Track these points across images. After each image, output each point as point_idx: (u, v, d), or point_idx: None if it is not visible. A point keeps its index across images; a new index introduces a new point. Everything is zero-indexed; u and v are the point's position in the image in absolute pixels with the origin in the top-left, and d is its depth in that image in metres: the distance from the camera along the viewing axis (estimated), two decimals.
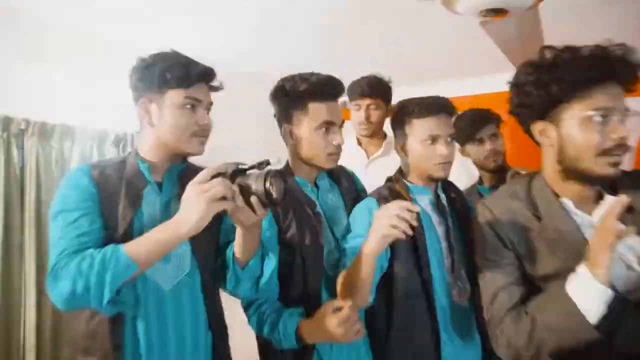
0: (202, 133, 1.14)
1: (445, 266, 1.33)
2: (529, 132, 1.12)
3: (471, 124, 1.91)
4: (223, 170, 0.96)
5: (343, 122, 1.31)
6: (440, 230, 1.35)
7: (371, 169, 2.06)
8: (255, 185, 0.95)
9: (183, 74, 1.09)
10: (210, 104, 1.17)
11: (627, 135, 1.00)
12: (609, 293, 0.93)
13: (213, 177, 0.94)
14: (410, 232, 1.03)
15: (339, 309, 1.07)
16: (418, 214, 1.06)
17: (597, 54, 0.99)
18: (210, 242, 1.19)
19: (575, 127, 1.01)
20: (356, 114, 2.06)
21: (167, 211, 1.10)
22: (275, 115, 1.36)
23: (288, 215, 1.25)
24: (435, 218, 1.36)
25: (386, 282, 1.28)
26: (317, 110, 1.26)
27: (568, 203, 1.08)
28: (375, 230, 1.06)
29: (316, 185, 1.36)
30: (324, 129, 1.26)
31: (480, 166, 1.93)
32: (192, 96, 1.11)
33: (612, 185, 1.10)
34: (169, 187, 1.15)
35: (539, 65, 1.05)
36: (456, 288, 1.33)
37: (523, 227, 1.10)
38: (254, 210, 0.97)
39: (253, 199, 0.96)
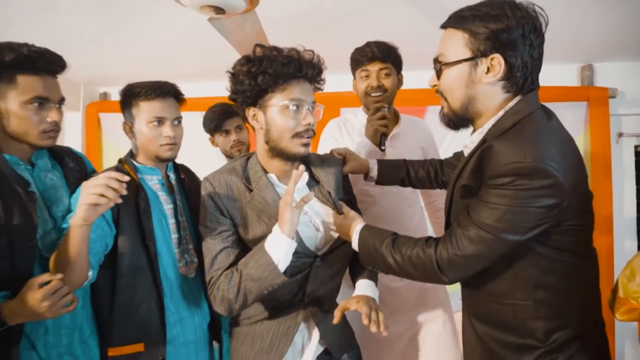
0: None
1: (173, 241, 1.43)
2: (246, 118, 1.31)
3: (218, 116, 2.08)
4: None
5: (63, 99, 1.28)
6: (167, 208, 1.44)
7: (398, 147, 1.81)
8: None
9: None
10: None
11: (313, 122, 1.26)
12: (293, 244, 1.17)
13: None
14: (119, 200, 1.08)
15: (46, 284, 1.04)
16: (134, 182, 1.12)
17: (292, 55, 1.23)
18: None
19: (277, 114, 1.23)
20: (364, 83, 1.75)
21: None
22: None
23: None
24: (162, 196, 1.44)
25: (112, 258, 1.31)
26: (29, 84, 1.20)
27: (273, 177, 1.31)
28: (82, 201, 1.08)
29: (31, 164, 1.29)
30: (36, 104, 1.21)
31: (227, 155, 2.11)
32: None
33: (305, 162, 1.37)
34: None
35: (250, 59, 1.24)
36: (183, 261, 1.44)
37: (237, 198, 1.28)
38: None
39: None
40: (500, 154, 0.95)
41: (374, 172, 1.55)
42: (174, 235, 1.44)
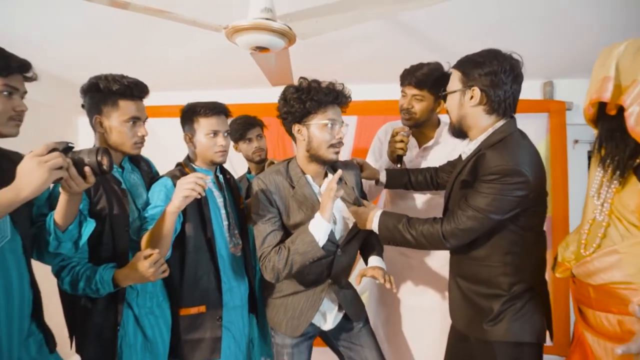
0: (18, 117, 1.31)
1: (224, 227, 1.82)
2: (290, 131, 1.71)
3: (242, 127, 2.46)
4: (57, 146, 1.21)
5: (147, 117, 1.66)
6: (219, 201, 1.83)
7: (427, 157, 2.08)
8: (88, 158, 1.24)
9: (3, 65, 1.25)
10: (25, 92, 1.34)
11: (343, 136, 1.68)
12: (330, 227, 1.60)
13: (50, 150, 1.18)
14: (203, 194, 1.47)
15: (149, 256, 1.42)
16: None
17: (331, 87, 1.64)
18: (28, 212, 1.38)
19: (317, 129, 1.64)
20: (401, 100, 2.01)
21: None
22: (84, 107, 1.61)
23: (98, 191, 1.53)
24: (215, 192, 1.83)
25: (179, 241, 1.69)
26: (127, 107, 1.58)
27: (309, 177, 1.73)
28: (178, 193, 1.46)
29: (121, 167, 1.67)
30: (131, 122, 1.59)
31: (248, 159, 2.50)
32: (11, 84, 1.27)
33: (333, 166, 1.79)
34: None
35: (299, 89, 1.64)
36: (232, 243, 1.83)
37: (283, 193, 1.69)
38: (84, 179, 1.26)
39: (87, 169, 1.25)
40: (491, 159, 1.37)
41: (383, 178, 1.96)
42: (225, 223, 1.83)
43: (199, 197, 1.47)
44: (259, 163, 2.46)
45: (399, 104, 2.03)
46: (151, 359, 1.62)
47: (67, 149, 1.25)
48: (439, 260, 2.09)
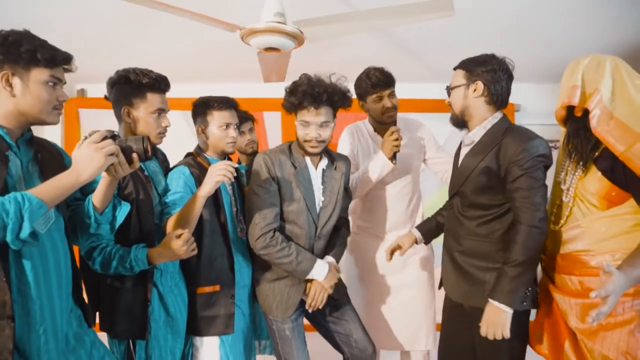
0: (60, 107, 1.38)
1: (233, 213, 1.97)
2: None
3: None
4: (107, 134, 1.32)
5: (169, 110, 1.77)
6: (229, 188, 1.97)
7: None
8: (136, 145, 1.36)
9: (51, 56, 1.31)
10: (65, 82, 1.40)
11: (318, 137, 1.86)
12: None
13: (104, 138, 1.29)
14: (232, 180, 1.63)
15: (180, 235, 1.54)
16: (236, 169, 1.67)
17: (310, 90, 1.81)
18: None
19: (299, 125, 1.89)
20: (379, 105, 2.18)
21: (27, 170, 1.33)
22: (109, 97, 1.70)
23: (126, 177, 1.63)
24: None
25: (197, 224, 1.81)
26: (154, 99, 1.69)
27: (308, 160, 1.93)
28: (211, 178, 1.60)
29: None
30: (157, 114, 1.70)
31: (241, 151, 2.64)
32: (56, 76, 1.34)
33: (329, 152, 2.01)
34: (24, 150, 1.36)
35: (294, 82, 1.85)
36: (239, 227, 1.98)
37: (285, 170, 1.88)
38: (130, 165, 1.37)
39: (134, 155, 1.36)
40: (511, 145, 1.58)
41: (420, 237, 2.12)
42: (234, 209, 1.97)
43: (229, 182, 1.62)
44: (251, 155, 2.60)
45: (375, 108, 2.19)
46: (172, 333, 1.74)
47: (113, 137, 1.36)
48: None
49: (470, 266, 1.72)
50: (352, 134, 2.38)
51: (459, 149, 1.89)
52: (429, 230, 2.11)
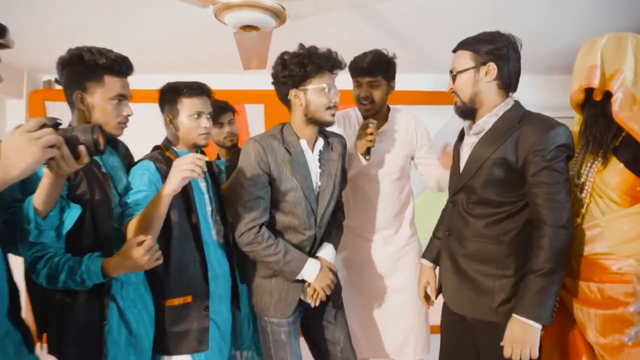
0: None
1: (207, 213, 1.74)
2: (285, 96, 1.70)
3: (215, 111, 2.34)
4: (47, 122, 1.08)
5: (131, 96, 1.54)
6: (202, 185, 1.75)
7: (381, 142, 2.07)
8: (83, 136, 1.13)
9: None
10: None
11: (338, 100, 1.71)
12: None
13: (41, 126, 1.05)
14: (202, 175, 1.40)
15: (141, 242, 1.32)
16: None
17: (329, 53, 1.67)
18: (1, 198, 1.23)
19: (315, 94, 1.66)
20: (356, 91, 2.05)
21: None
22: (58, 81, 1.45)
23: (78, 174, 1.40)
24: None
25: (164, 228, 1.58)
26: (113, 84, 1.45)
27: (304, 143, 1.74)
28: (176, 174, 1.37)
29: None
30: (116, 100, 1.47)
31: (219, 144, 2.41)
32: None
33: (324, 132, 1.83)
34: None
35: (299, 54, 1.64)
36: (215, 229, 1.76)
37: (278, 157, 1.69)
38: (77, 160, 1.13)
39: (81, 148, 1.13)
40: (531, 133, 1.39)
41: (434, 266, 1.86)
42: (208, 208, 1.75)
43: (198, 178, 1.40)
44: (231, 148, 2.38)
45: (354, 94, 2.06)
46: (136, 355, 1.52)
47: (55, 125, 1.13)
48: (402, 241, 2.16)
49: (476, 272, 1.51)
50: (339, 121, 2.20)
51: (460, 140, 1.69)
52: (433, 256, 1.87)
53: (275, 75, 1.69)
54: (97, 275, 1.32)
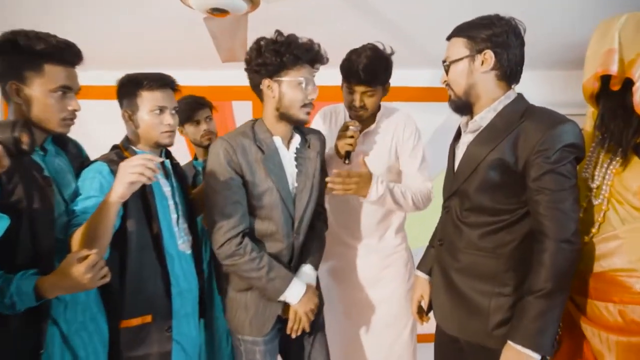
0: None
1: (172, 221, 1.55)
2: (257, 85, 1.52)
3: (190, 107, 2.18)
4: None
5: (79, 88, 1.35)
6: (166, 190, 1.55)
7: (367, 144, 1.91)
8: (1, 134, 0.94)
9: None
10: None
11: (315, 96, 1.53)
12: (303, 289, 1.56)
13: None
14: (154, 179, 1.20)
15: (85, 258, 1.11)
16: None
17: (309, 44, 1.50)
18: None
19: (290, 87, 1.49)
20: (348, 97, 1.82)
21: None
22: None
23: (12, 179, 1.20)
24: (162, 180, 1.55)
25: (119, 238, 1.40)
26: (55, 74, 1.26)
27: (278, 140, 1.56)
28: (121, 178, 1.18)
29: (43, 149, 1.34)
30: (60, 92, 1.28)
31: (196, 143, 2.22)
32: None
33: (300, 128, 1.64)
34: None
35: (277, 40, 1.47)
36: (181, 239, 1.56)
37: (250, 157, 1.51)
38: None
39: None
40: (533, 131, 1.19)
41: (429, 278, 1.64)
42: (173, 216, 1.55)
43: (149, 182, 1.20)
44: (208, 148, 2.19)
45: (344, 98, 1.86)
46: None
47: None
48: (387, 250, 1.98)
49: (470, 289, 1.32)
50: (325, 117, 2.02)
51: (456, 138, 1.49)
52: (428, 267, 1.65)
53: (248, 61, 1.52)
54: (29, 297, 1.13)
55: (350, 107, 1.84)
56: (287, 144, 1.60)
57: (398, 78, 3.28)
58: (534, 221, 1.21)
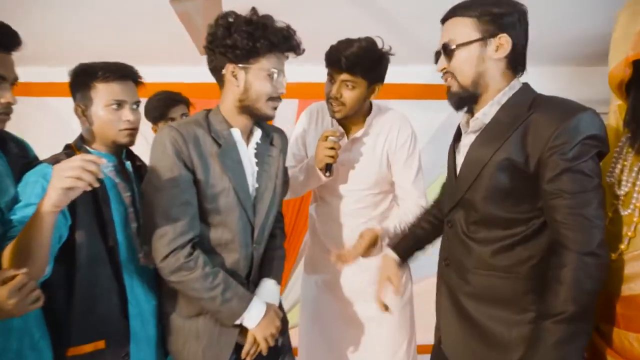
0: None
1: (132, 230, 1.35)
2: (219, 69, 1.32)
3: (164, 103, 2.01)
4: None
5: (17, 78, 1.16)
6: (126, 196, 1.36)
7: (354, 151, 1.72)
8: None
9: None
10: None
11: (284, 90, 1.34)
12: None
13: None
14: (96, 184, 1.01)
15: (11, 278, 0.93)
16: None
17: (287, 31, 1.29)
18: None
19: (259, 77, 1.29)
20: (327, 87, 1.65)
21: None
22: None
23: None
24: (120, 184, 1.36)
25: (67, 251, 1.21)
26: None
27: (237, 132, 1.36)
28: (55, 183, 0.98)
29: None
30: None
31: None
32: None
33: (260, 123, 1.43)
34: None
35: (251, 21, 1.26)
36: (142, 251, 1.37)
37: (204, 150, 1.30)
38: None
39: None
40: (545, 123, 1.02)
41: (398, 260, 1.51)
42: (134, 225, 1.36)
43: (89, 188, 1.01)
44: None
45: (325, 89, 1.67)
46: None
47: None
48: (380, 259, 1.74)
49: (485, 317, 1.12)
50: (311, 116, 1.83)
51: (456, 139, 1.29)
52: (405, 250, 1.51)
53: (211, 40, 1.30)
54: None
55: (327, 98, 1.65)
56: (247, 139, 1.40)
57: (397, 75, 3.10)
58: (552, 231, 1.04)
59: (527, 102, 1.09)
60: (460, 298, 1.17)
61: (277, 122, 1.65)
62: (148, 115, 2.04)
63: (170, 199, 1.24)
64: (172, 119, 1.99)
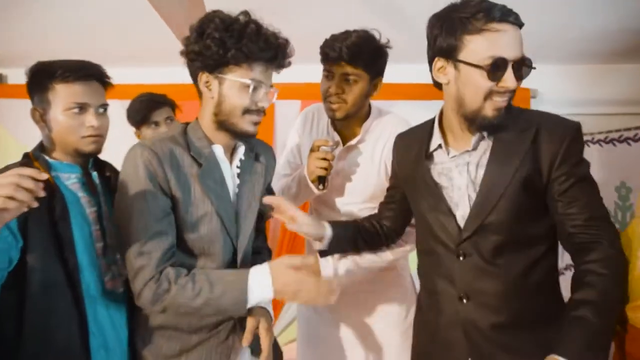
0: None
1: (97, 251, 1.21)
2: (194, 79, 1.20)
3: (147, 107, 1.89)
4: None
5: None
6: (90, 211, 1.21)
7: (349, 159, 1.58)
8: None
9: None
10: None
11: (267, 105, 1.20)
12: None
13: None
14: (34, 204, 0.86)
15: None
16: (49, 182, 0.91)
17: (272, 42, 1.15)
18: None
19: (234, 89, 1.15)
20: (325, 84, 1.51)
21: None
22: None
23: None
24: (84, 198, 1.21)
25: (18, 277, 1.07)
26: None
27: (219, 149, 1.21)
28: None
29: None
30: None
31: None
32: None
33: (246, 139, 1.28)
34: None
35: (228, 26, 1.11)
36: (110, 273, 1.22)
37: (184, 170, 1.16)
38: None
39: None
40: (552, 132, 1.08)
41: (328, 236, 1.38)
42: (99, 244, 1.21)
43: (26, 209, 0.86)
44: None
45: (321, 88, 1.54)
46: None
47: None
48: (375, 267, 1.60)
49: (529, 343, 1.09)
50: (306, 120, 1.68)
51: (428, 158, 1.22)
52: (339, 236, 1.38)
53: (186, 44, 1.17)
54: None
55: (325, 97, 1.51)
56: (230, 156, 1.25)
57: (400, 74, 2.96)
58: (568, 243, 1.09)
59: (525, 114, 1.14)
60: (485, 331, 1.12)
61: (279, 124, 1.54)
62: (130, 118, 1.92)
63: (142, 230, 1.10)
64: (156, 123, 1.86)
